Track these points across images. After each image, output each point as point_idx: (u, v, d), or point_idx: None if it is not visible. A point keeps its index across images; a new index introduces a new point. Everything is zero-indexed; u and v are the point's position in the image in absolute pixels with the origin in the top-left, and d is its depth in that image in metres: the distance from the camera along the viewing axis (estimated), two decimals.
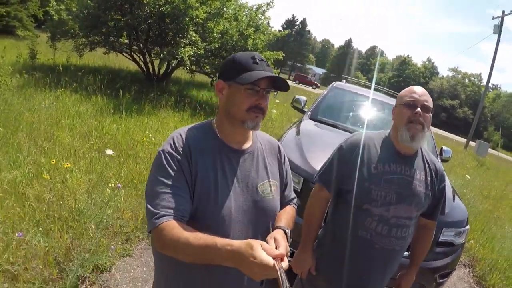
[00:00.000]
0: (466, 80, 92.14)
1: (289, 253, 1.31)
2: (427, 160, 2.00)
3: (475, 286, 4.88)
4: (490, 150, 27.74)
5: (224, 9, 10.66)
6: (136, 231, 3.60)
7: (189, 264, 1.22)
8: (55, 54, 11.72)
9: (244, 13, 11.33)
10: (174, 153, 1.32)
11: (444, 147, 5.31)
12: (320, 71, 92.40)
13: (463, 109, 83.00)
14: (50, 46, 12.03)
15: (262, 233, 1.43)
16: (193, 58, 9.48)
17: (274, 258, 1.04)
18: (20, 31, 19.63)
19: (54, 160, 3.90)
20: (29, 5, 18.13)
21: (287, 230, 1.47)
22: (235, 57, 1.42)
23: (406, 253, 2.30)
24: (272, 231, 1.43)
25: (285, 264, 1.07)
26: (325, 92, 5.75)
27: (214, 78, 11.54)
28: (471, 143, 26.93)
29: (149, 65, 10.96)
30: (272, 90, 1.43)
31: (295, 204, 1.70)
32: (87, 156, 4.56)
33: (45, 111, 5.74)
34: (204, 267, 1.25)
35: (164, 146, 1.36)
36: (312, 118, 4.96)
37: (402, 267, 2.20)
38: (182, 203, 1.27)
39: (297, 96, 5.91)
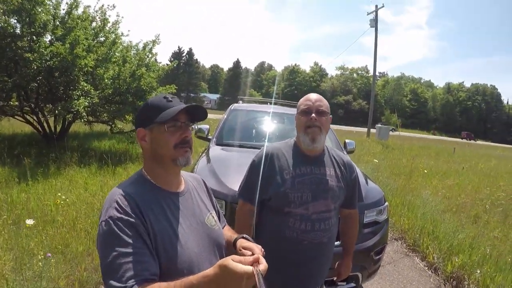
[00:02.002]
0: (355, 75, 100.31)
1: (263, 252, 1.41)
2: (333, 156, 2.23)
3: (410, 253, 5.56)
4: (392, 133, 30.17)
5: (111, 53, 10.70)
6: None
7: None
8: None
9: (131, 54, 11.43)
10: (124, 216, 1.25)
11: (347, 140, 5.79)
12: (214, 96, 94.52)
13: (357, 101, 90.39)
14: None
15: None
16: (88, 109, 9.38)
17: (252, 264, 1.06)
18: None
19: None
20: None
21: (247, 236, 1.60)
22: (148, 103, 1.45)
23: (337, 243, 2.59)
24: (234, 245, 1.57)
25: (262, 266, 1.09)
26: (225, 116, 6.00)
27: (113, 125, 11.48)
28: (372, 130, 29.13)
29: (44, 124, 10.57)
30: (191, 123, 1.48)
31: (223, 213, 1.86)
32: (3, 232, 4.50)
33: None
34: None
35: (109, 212, 1.27)
36: (218, 143, 5.17)
37: (338, 257, 2.44)
38: (147, 267, 1.20)
39: (199, 126, 5.93)
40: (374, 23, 28.65)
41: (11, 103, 9.68)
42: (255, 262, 1.08)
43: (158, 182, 1.44)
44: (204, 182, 1.76)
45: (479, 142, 60.37)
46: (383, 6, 28.85)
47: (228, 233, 1.69)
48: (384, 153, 16.14)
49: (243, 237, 1.59)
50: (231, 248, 1.60)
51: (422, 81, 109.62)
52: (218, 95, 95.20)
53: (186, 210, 1.47)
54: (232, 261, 1.05)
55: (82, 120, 10.19)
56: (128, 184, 1.42)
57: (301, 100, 2.19)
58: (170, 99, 1.44)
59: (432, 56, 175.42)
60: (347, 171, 2.23)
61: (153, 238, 1.29)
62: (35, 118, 10.43)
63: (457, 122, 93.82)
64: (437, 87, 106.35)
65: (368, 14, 29.56)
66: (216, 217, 1.63)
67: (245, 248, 1.46)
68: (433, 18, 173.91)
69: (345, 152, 5.27)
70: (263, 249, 1.42)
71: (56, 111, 8.97)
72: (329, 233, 2.11)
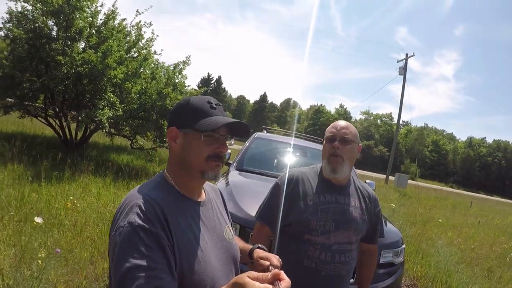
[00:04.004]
0: (379, 121, 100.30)
1: (281, 263, 1.36)
2: (359, 188, 2.16)
3: None
4: (410, 181, 29.88)
5: (141, 69, 10.71)
6: None
7: None
8: None
9: (161, 72, 11.42)
10: (146, 225, 1.10)
11: (367, 180, 5.61)
12: None
13: (378, 147, 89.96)
14: None
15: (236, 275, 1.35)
16: (111, 120, 9.30)
17: (272, 282, 0.92)
18: None
19: None
20: None
21: (262, 246, 1.52)
22: (189, 102, 1.30)
23: (352, 280, 2.45)
24: (250, 255, 1.50)
25: (285, 283, 0.93)
26: (248, 143, 5.96)
27: (134, 141, 11.40)
28: (391, 178, 28.82)
29: (66, 129, 10.57)
30: (229, 136, 1.37)
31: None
32: (8, 228, 4.30)
33: None
34: None
35: (130, 217, 1.12)
36: (238, 169, 5.12)
37: None
38: (163, 284, 1.04)
39: None
40: (403, 71, 28.55)
41: (36, 104, 9.70)
42: (276, 280, 0.92)
43: (182, 189, 1.30)
44: (221, 193, 1.64)
45: (497, 198, 58.58)
46: (413, 55, 29.02)
47: (240, 243, 1.58)
48: (401, 200, 15.84)
49: (259, 247, 1.51)
50: (246, 259, 1.53)
51: (444, 133, 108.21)
52: (232, 142, 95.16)
53: (208, 222, 1.34)
54: (248, 279, 0.91)
55: (104, 131, 10.14)
56: (151, 187, 1.26)
57: (329, 126, 2.13)
58: (215, 105, 1.30)
59: (457, 109, 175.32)
60: (372, 204, 2.17)
61: (177, 250, 1.15)
62: (57, 122, 10.44)
63: (476, 177, 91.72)
64: (459, 141, 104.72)
65: (398, 61, 29.68)
66: (232, 230, 1.51)
67: (262, 258, 1.39)
68: (460, 71, 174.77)
69: None
70: (280, 260, 1.35)
71: (80, 118, 8.93)
72: (348, 266, 2.01)
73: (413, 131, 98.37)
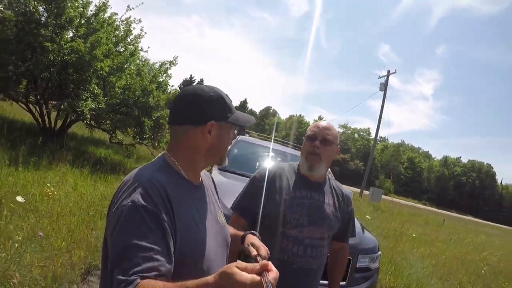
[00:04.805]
0: (356, 135, 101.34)
1: (269, 254, 1.40)
2: (334, 187, 2.23)
3: None
4: (384, 196, 30.33)
5: (127, 65, 10.66)
6: None
7: None
8: None
9: (146, 69, 11.40)
10: (149, 206, 1.12)
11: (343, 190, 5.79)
12: None
13: (354, 161, 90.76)
14: None
15: (228, 259, 1.46)
16: (93, 112, 9.23)
17: (260, 273, 0.92)
18: None
19: None
20: None
21: (255, 232, 1.56)
22: (222, 96, 1.37)
23: (325, 282, 2.48)
24: (242, 240, 1.52)
25: (273, 274, 0.95)
26: (231, 146, 6.00)
27: (113, 135, 11.28)
28: (365, 192, 29.31)
29: (46, 117, 10.36)
30: None
31: None
32: None
33: None
34: None
35: (133, 196, 1.14)
36: (220, 169, 5.15)
37: None
38: (158, 266, 1.06)
39: None
40: (384, 87, 29.03)
41: (18, 89, 9.51)
42: (264, 271, 0.93)
43: (187, 173, 1.35)
44: (213, 180, 1.69)
45: (470, 217, 59.82)
46: (395, 72, 29.45)
47: (231, 230, 1.62)
48: (374, 214, 16.05)
49: (251, 233, 1.54)
50: (237, 245, 1.55)
51: (420, 151, 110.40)
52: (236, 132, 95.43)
53: (206, 206, 1.40)
54: (237, 269, 0.91)
55: (85, 122, 9.98)
56: (155, 169, 1.28)
57: (311, 125, 2.20)
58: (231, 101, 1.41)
59: (434, 128, 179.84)
60: (345, 203, 2.23)
61: (179, 233, 1.18)
62: (37, 109, 10.24)
63: (450, 196, 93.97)
64: (435, 159, 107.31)
65: (380, 77, 30.15)
66: (224, 216, 1.55)
67: (253, 245, 1.41)
68: (439, 91, 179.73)
69: None
70: (269, 252, 1.39)
71: (62, 107, 8.82)
72: (319, 261, 2.06)
73: (389, 147, 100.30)
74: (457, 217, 46.38)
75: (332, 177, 2.31)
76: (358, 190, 30.97)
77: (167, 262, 1.09)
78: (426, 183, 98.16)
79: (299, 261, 1.98)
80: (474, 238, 17.17)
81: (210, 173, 4.95)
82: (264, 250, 1.40)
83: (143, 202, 1.11)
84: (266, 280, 0.91)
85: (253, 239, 1.47)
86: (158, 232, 1.10)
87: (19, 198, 3.63)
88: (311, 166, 2.08)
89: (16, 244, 3.45)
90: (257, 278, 0.90)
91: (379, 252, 3.94)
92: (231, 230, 1.61)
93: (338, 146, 2.17)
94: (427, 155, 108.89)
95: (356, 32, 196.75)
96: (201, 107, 1.33)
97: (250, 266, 0.93)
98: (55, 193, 5.34)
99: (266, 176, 2.12)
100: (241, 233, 1.58)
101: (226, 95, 1.40)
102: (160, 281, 1.03)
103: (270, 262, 0.97)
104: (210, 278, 0.95)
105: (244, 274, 0.90)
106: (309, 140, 2.11)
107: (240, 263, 0.95)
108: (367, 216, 12.18)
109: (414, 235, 11.61)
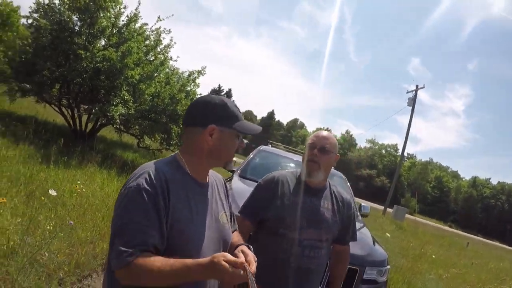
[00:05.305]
0: (383, 151, 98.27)
1: (256, 261, 1.50)
2: (334, 192, 2.36)
3: None
4: (408, 216, 29.54)
5: (156, 73, 10.97)
6: (70, 275, 3.56)
7: None
8: None
9: (175, 78, 11.68)
10: (149, 189, 1.32)
11: (362, 203, 5.83)
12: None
13: (380, 178, 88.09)
14: None
15: None
16: (123, 118, 9.57)
17: (243, 265, 1.22)
18: None
19: None
20: None
21: (250, 247, 1.64)
22: (227, 104, 1.52)
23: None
24: (235, 248, 1.59)
25: (253, 267, 1.27)
26: (252, 154, 6.27)
27: (141, 140, 11.60)
28: (389, 210, 28.26)
29: (77, 120, 10.82)
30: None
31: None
32: (15, 200, 4.47)
33: None
34: None
35: (138, 180, 1.35)
36: (241, 176, 5.32)
37: None
38: (153, 241, 1.29)
39: None
40: (412, 102, 28.07)
41: (52, 92, 9.97)
42: (246, 263, 1.22)
43: (192, 171, 1.51)
44: (225, 183, 1.81)
45: (497, 243, 57.29)
46: (423, 87, 28.38)
47: (235, 237, 1.74)
48: (396, 233, 15.75)
49: (247, 246, 1.63)
50: (233, 250, 1.63)
51: (449, 170, 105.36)
52: (246, 141, 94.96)
53: (206, 202, 1.54)
54: (222, 259, 1.21)
55: (114, 126, 10.32)
56: (163, 163, 1.49)
57: (312, 135, 2.37)
58: (237, 107, 1.56)
59: (463, 146, 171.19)
60: (344, 207, 2.34)
61: (171, 215, 1.35)
62: (69, 112, 10.70)
63: (477, 219, 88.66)
64: (463, 179, 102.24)
65: (408, 92, 29.06)
66: (228, 217, 1.70)
67: (243, 252, 1.50)
68: (471, 107, 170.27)
69: (359, 216, 5.27)
70: (256, 262, 1.48)
71: (93, 111, 9.20)
72: (317, 261, 2.21)
73: (417, 165, 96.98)
74: (482, 241, 44.45)
75: (335, 185, 2.45)
76: (382, 207, 30.28)
77: (160, 237, 1.32)
78: (453, 204, 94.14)
79: (298, 261, 2.14)
80: (498, 263, 16.55)
81: (231, 179, 5.15)
82: (252, 258, 1.45)
83: (146, 186, 1.33)
84: (249, 269, 1.21)
85: (245, 248, 1.55)
86: (154, 211, 1.31)
87: (52, 191, 3.85)
88: (310, 173, 2.24)
89: (48, 232, 3.67)
90: (237, 271, 1.21)
91: (388, 266, 3.92)
92: (235, 238, 1.73)
93: (337, 154, 2.31)
94: (455, 175, 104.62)
95: (386, 45, 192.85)
96: (205, 111, 1.51)
97: (233, 260, 1.22)
98: (84, 190, 5.60)
99: (267, 183, 2.33)
100: (240, 243, 1.68)
101: (234, 104, 1.55)
102: (159, 256, 1.28)
103: (253, 260, 1.32)
104: (204, 260, 1.24)
105: (226, 265, 1.20)
106: (309, 148, 2.26)
107: (227, 255, 1.24)
108: (386, 234, 11.98)
109: (433, 256, 11.30)
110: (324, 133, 2.31)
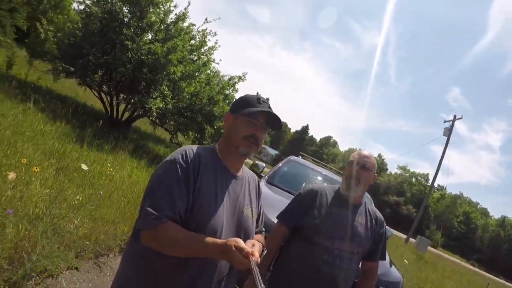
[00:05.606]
0: (413, 179, 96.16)
1: (260, 252, 1.59)
2: (369, 209, 2.46)
3: None
4: (430, 248, 28.71)
5: (197, 73, 11.07)
6: (88, 250, 3.57)
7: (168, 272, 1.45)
8: (29, 70, 11.76)
9: (215, 80, 11.77)
10: (183, 163, 1.48)
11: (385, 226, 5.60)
12: (273, 152, 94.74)
13: (407, 206, 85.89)
14: (27, 62, 12.04)
15: None
16: (160, 111, 9.70)
17: (248, 255, 1.29)
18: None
19: (24, 160, 3.90)
20: (15, 15, 17.47)
21: (263, 232, 1.82)
22: (243, 97, 1.69)
23: None
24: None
25: (255, 258, 1.30)
26: (282, 163, 6.31)
27: (174, 136, 11.70)
28: (412, 240, 27.66)
29: (114, 108, 11.05)
30: (267, 126, 1.67)
31: (264, 235, 1.90)
32: (46, 172, 4.52)
33: (11, 120, 5.73)
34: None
35: (175, 155, 1.51)
36: (268, 182, 5.32)
37: None
38: (178, 209, 1.42)
39: (257, 162, 6.60)
40: (448, 132, 27.26)
41: (95, 77, 10.23)
42: (251, 254, 1.30)
43: (223, 159, 1.64)
44: (259, 184, 1.90)
45: None
46: (461, 118, 27.48)
47: (257, 237, 1.79)
48: (416, 263, 15.24)
49: (261, 231, 1.83)
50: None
51: (478, 206, 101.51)
52: (276, 152, 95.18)
53: (233, 192, 1.63)
54: (233, 244, 1.31)
55: (150, 119, 10.45)
56: (201, 148, 1.62)
57: (354, 152, 2.50)
58: (261, 101, 1.65)
59: (495, 183, 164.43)
60: (377, 225, 2.46)
61: (197, 193, 1.47)
62: (108, 99, 10.95)
63: (502, 260, 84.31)
64: (492, 217, 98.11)
65: (445, 121, 28.29)
66: (255, 214, 1.77)
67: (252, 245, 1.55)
68: (507, 144, 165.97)
69: None
70: (262, 253, 1.65)
71: (132, 101, 9.34)
72: (345, 273, 2.27)
73: (446, 197, 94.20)
74: (504, 284, 42.53)
75: (370, 203, 2.52)
76: (405, 236, 29.47)
77: (185, 210, 1.45)
78: (478, 242, 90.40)
79: (327, 268, 2.22)
80: None
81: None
82: (257, 248, 1.52)
83: (181, 160, 1.49)
84: (252, 259, 1.29)
85: (255, 241, 1.59)
86: (184, 185, 1.45)
87: (83, 166, 3.90)
88: (348, 187, 2.36)
89: (75, 204, 3.69)
90: (248, 248, 1.31)
91: None
92: (259, 238, 1.80)
93: (375, 174, 2.44)
94: (484, 212, 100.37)
95: (428, 71, 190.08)
96: (232, 104, 1.71)
97: (244, 246, 1.32)
98: (113, 173, 5.64)
99: (307, 193, 2.45)
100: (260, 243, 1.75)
101: (257, 97, 1.66)
102: (182, 228, 1.40)
103: (256, 252, 1.34)
104: (220, 241, 1.35)
105: (237, 253, 1.30)
106: (350, 164, 2.39)
107: (240, 241, 1.33)
108: (404, 260, 11.62)
109: None
110: (366, 152, 2.43)
